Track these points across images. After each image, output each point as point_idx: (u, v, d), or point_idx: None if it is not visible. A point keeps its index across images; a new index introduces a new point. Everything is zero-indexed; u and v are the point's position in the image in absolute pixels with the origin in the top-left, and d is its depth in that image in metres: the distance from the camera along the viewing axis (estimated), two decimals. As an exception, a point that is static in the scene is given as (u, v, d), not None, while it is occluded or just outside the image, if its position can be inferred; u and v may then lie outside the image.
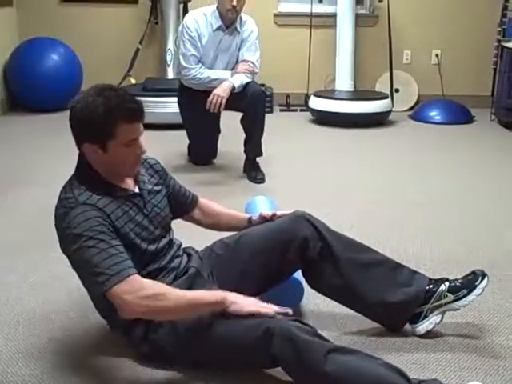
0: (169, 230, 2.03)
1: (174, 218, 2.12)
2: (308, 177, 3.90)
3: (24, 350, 2.00)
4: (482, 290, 2.02)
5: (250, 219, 2.16)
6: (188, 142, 4.18)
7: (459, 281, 2.04)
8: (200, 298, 1.73)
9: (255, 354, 1.70)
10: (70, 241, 1.73)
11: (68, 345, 2.03)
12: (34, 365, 1.91)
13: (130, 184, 1.90)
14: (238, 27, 3.83)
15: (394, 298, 2.01)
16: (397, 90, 6.00)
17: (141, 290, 1.68)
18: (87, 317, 2.17)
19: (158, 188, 2.00)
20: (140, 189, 1.92)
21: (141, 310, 1.68)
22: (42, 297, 2.35)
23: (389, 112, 5.52)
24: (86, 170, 1.84)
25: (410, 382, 1.61)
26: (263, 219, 2.12)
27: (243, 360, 1.76)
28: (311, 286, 2.10)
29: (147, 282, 1.73)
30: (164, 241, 1.96)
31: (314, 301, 2.22)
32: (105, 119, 1.74)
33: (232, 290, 1.81)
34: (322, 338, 1.68)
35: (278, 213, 2.10)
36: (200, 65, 3.80)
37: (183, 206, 2.15)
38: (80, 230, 1.71)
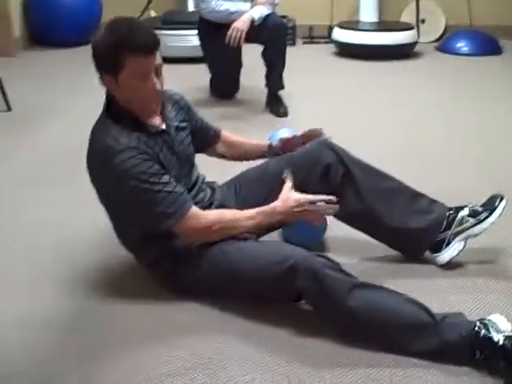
0: (193, 165, 2.05)
1: (198, 152, 2.12)
2: (331, 110, 3.86)
3: (48, 286, 2.04)
4: (502, 211, 2.00)
5: (270, 145, 2.17)
6: (210, 75, 4.14)
7: (479, 206, 2.04)
8: (254, 216, 1.83)
9: (280, 287, 1.73)
10: (122, 185, 1.74)
11: (94, 277, 2.08)
12: (61, 294, 1.97)
13: (157, 121, 1.90)
14: (258, -43, 3.72)
15: (416, 224, 2.02)
16: (423, 21, 5.84)
17: (207, 226, 1.80)
18: (112, 253, 2.19)
19: (183, 125, 2.00)
20: (167, 125, 1.92)
21: (210, 239, 1.83)
22: (67, 230, 2.38)
23: (414, 43, 5.39)
24: (114, 107, 1.83)
25: (434, 318, 1.63)
26: (283, 143, 2.12)
27: (268, 293, 1.79)
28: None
29: (210, 215, 1.83)
30: (190, 176, 1.98)
31: (334, 231, 2.23)
32: (112, 51, 1.73)
33: None
34: (346, 273, 1.70)
35: (298, 134, 2.10)
36: (219, -4, 3.72)
37: (206, 139, 2.15)
38: (132, 174, 1.73)
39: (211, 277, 1.83)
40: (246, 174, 2.12)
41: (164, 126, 1.90)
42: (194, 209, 1.80)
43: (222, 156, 2.23)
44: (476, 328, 1.59)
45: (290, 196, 1.84)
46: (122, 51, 1.72)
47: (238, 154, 2.21)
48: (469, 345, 1.58)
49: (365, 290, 1.67)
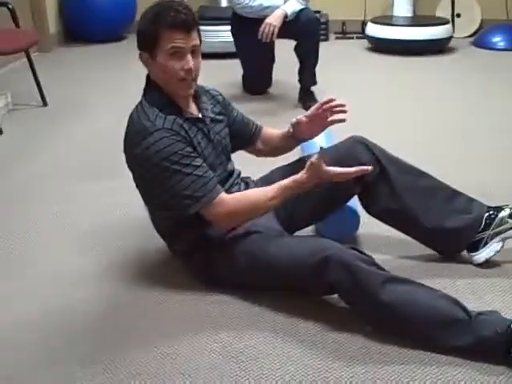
0: (229, 158, 2.05)
1: (240, 148, 2.14)
2: (364, 106, 3.83)
3: (84, 275, 2.07)
4: None
5: (288, 131, 2.12)
6: (242, 71, 4.14)
7: (520, 207, 2.01)
8: (279, 192, 1.82)
9: (313, 280, 1.72)
10: (153, 165, 1.77)
11: (127, 268, 2.10)
12: (93, 291, 1.99)
13: (194, 109, 1.92)
14: (292, -49, 3.70)
15: (453, 224, 2.00)
16: (458, 15, 5.76)
17: (233, 211, 1.80)
18: (145, 243, 2.23)
19: (220, 117, 2.01)
20: (203, 115, 1.93)
21: (234, 225, 1.85)
22: (96, 225, 2.41)
23: (450, 38, 5.33)
24: (153, 88, 1.87)
25: (469, 314, 1.61)
26: (297, 124, 2.07)
27: (301, 285, 1.78)
28: (367, 210, 2.09)
29: (235, 199, 1.83)
30: (224, 170, 1.98)
31: (369, 227, 2.22)
32: (150, 26, 1.78)
33: (290, 214, 1.95)
34: (379, 267, 1.69)
35: (307, 113, 2.05)
36: (253, -8, 3.72)
37: (248, 136, 2.15)
38: (164, 154, 1.75)
39: (245, 267, 1.84)
40: (275, 173, 2.11)
41: (200, 115, 1.92)
42: (223, 195, 1.81)
43: (259, 153, 2.21)
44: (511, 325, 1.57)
45: (314, 170, 1.79)
46: (160, 27, 1.76)
47: (273, 147, 2.18)
48: (504, 342, 1.56)
49: (398, 284, 1.66)
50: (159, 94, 1.85)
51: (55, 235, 2.34)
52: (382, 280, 1.64)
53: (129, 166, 1.90)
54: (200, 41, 1.84)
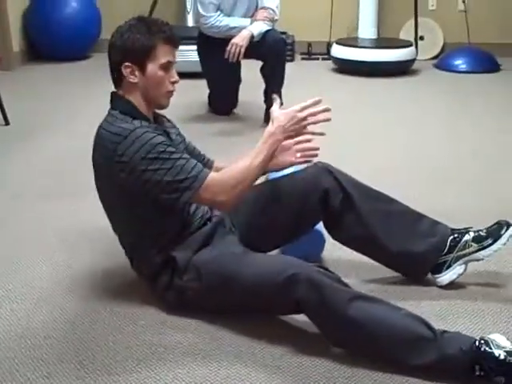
0: None
1: None
2: (329, 128, 3.83)
3: (47, 296, 2.03)
4: (507, 240, 1.99)
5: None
6: (208, 91, 4.14)
7: (483, 231, 2.03)
8: (258, 151, 1.84)
9: (279, 298, 1.71)
10: (139, 161, 1.75)
11: (91, 293, 2.06)
12: (57, 313, 1.95)
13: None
14: (257, -29, 3.74)
15: (417, 248, 2.01)
16: (421, 38, 5.87)
17: (226, 185, 1.79)
18: (111, 264, 2.19)
19: (179, 139, 2.03)
20: (168, 132, 1.96)
21: (235, 200, 1.83)
22: (61, 245, 2.37)
23: (413, 60, 5.42)
24: (121, 101, 1.88)
25: (434, 332, 1.62)
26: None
27: (268, 304, 1.77)
28: (333, 236, 2.10)
29: (223, 173, 1.83)
30: None
31: (334, 251, 2.22)
32: (146, 38, 1.83)
33: (254, 241, 1.89)
34: (345, 284, 1.70)
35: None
36: (218, 12, 3.74)
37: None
38: (149, 146, 1.75)
39: (209, 288, 1.82)
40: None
41: (165, 129, 1.95)
42: (211, 174, 1.81)
43: None
44: (476, 343, 1.58)
45: (278, 115, 1.86)
46: (158, 39, 1.83)
47: None
48: (469, 359, 1.57)
49: (365, 301, 1.66)
50: (130, 106, 1.87)
51: (19, 255, 2.29)
52: (348, 297, 1.64)
53: (100, 181, 1.87)
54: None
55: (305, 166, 2.07)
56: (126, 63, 1.84)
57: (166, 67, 1.86)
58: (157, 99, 1.89)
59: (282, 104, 2.06)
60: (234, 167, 1.83)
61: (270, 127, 1.85)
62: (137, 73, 1.85)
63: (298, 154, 2.03)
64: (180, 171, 1.77)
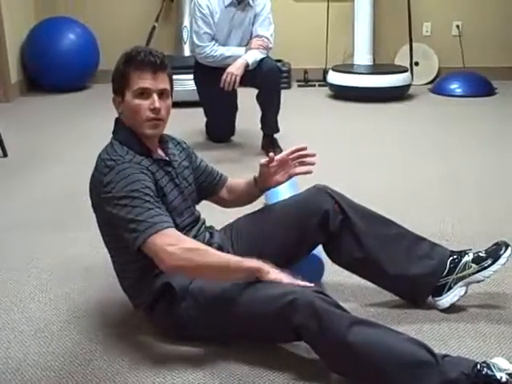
0: (194, 206, 2.05)
1: (203, 198, 2.14)
2: (327, 152, 3.86)
3: (44, 327, 2.01)
4: (507, 260, 1.98)
5: (254, 177, 2.13)
6: (205, 119, 4.16)
7: (483, 252, 2.02)
8: (239, 262, 1.75)
9: (278, 325, 1.69)
10: (113, 197, 1.74)
11: (89, 324, 2.04)
12: (55, 344, 1.93)
13: (161, 153, 1.94)
14: (251, 2, 3.77)
15: (416, 271, 2.00)
16: (416, 63, 5.92)
17: (183, 242, 1.72)
18: (107, 296, 2.18)
19: (186, 164, 2.03)
20: (170, 159, 1.95)
21: (181, 263, 1.69)
22: (59, 276, 2.36)
23: (409, 86, 5.46)
24: (122, 129, 1.89)
25: (435, 357, 1.60)
26: (263, 166, 2.07)
27: (266, 332, 1.76)
28: (332, 259, 2.09)
29: (187, 237, 1.78)
30: (190, 215, 1.97)
31: (334, 275, 2.21)
32: (120, 68, 1.84)
33: None
34: (344, 310, 1.68)
35: (276, 157, 2.05)
36: (213, 42, 3.77)
37: (212, 185, 2.15)
38: (125, 187, 1.74)
39: (208, 315, 1.80)
40: (240, 221, 2.11)
41: (167, 158, 1.93)
42: (173, 230, 1.74)
43: (223, 203, 2.21)
44: (478, 366, 1.56)
45: (269, 269, 1.77)
46: (129, 68, 1.82)
47: (236, 196, 2.18)
48: (471, 383, 1.55)
49: (365, 326, 1.64)
50: (129, 134, 1.87)
51: (17, 286, 2.28)
52: (348, 322, 1.62)
53: (95, 208, 1.87)
54: (171, 87, 1.90)
55: (305, 169, 2.07)
56: (113, 96, 1.88)
57: (142, 94, 1.82)
58: (139, 128, 1.86)
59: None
60: (212, 249, 1.76)
61: (266, 267, 1.75)
62: (121, 104, 1.87)
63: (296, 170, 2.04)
64: (143, 213, 1.72)
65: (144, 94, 1.82)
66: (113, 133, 1.92)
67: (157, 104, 1.82)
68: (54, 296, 2.21)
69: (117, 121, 1.93)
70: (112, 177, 1.76)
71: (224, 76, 3.60)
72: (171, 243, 1.70)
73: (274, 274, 1.75)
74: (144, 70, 1.81)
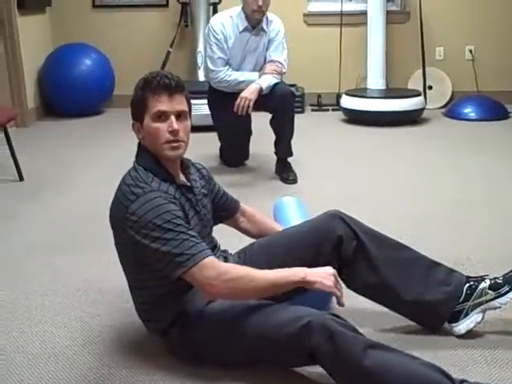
0: (211, 232, 2.06)
1: (219, 222, 2.15)
2: (340, 177, 3.87)
3: (58, 352, 2.01)
4: None
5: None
6: (219, 144, 4.18)
7: (500, 278, 2.00)
8: (282, 277, 1.75)
9: (293, 348, 1.68)
10: (143, 226, 1.74)
11: (104, 348, 2.04)
12: (69, 369, 1.92)
13: (183, 179, 1.94)
14: (265, 27, 3.81)
15: (432, 297, 1.99)
16: (430, 87, 5.93)
17: (224, 273, 1.72)
18: (122, 320, 2.18)
19: (205, 191, 2.03)
20: (192, 186, 1.95)
21: (224, 292, 1.74)
22: (73, 300, 2.36)
23: (422, 110, 5.45)
24: (145, 155, 1.89)
25: (453, 381, 1.58)
26: None
27: (280, 356, 1.75)
28: (346, 285, 2.08)
29: (228, 264, 1.81)
30: (209, 243, 1.98)
31: (348, 299, 2.17)
32: (138, 93, 1.87)
33: None
34: (360, 334, 1.68)
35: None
36: (227, 67, 3.80)
37: (226, 210, 2.17)
38: (155, 218, 1.73)
39: (222, 339, 1.80)
40: (254, 246, 2.11)
41: (189, 184, 1.94)
42: (212, 258, 1.76)
43: (246, 232, 2.23)
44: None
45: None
46: (146, 93, 1.84)
47: (260, 233, 2.19)
48: None
49: (381, 350, 1.63)
50: (152, 160, 1.88)
51: (31, 309, 2.28)
52: (364, 346, 1.61)
53: (116, 232, 1.87)
54: (189, 108, 1.91)
55: None
56: (132, 122, 1.89)
57: (159, 117, 1.83)
58: (160, 151, 1.87)
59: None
60: (253, 272, 1.76)
61: (310, 273, 1.77)
62: (140, 129, 1.88)
63: None
64: (179, 245, 1.73)
65: (161, 116, 1.83)
66: (136, 157, 1.92)
67: (175, 126, 1.83)
68: (68, 319, 2.22)
69: (139, 145, 1.93)
70: (139, 205, 1.76)
71: (238, 100, 3.62)
72: (212, 276, 1.72)
73: (321, 284, 1.74)
74: (160, 93, 1.83)
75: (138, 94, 1.86)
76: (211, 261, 1.75)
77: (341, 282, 1.79)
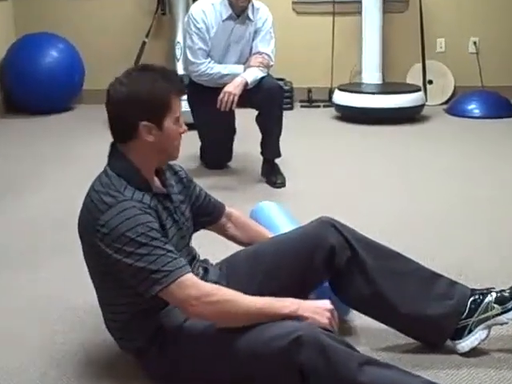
0: (190, 242, 2.05)
1: (200, 228, 2.14)
2: (333, 180, 3.87)
3: (21, 375, 1.99)
4: None
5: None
6: (200, 143, 4.18)
7: (507, 291, 2.01)
8: (271, 308, 1.75)
9: (283, 364, 1.69)
10: (115, 240, 1.73)
11: (72, 369, 2.03)
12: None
13: (158, 185, 1.93)
14: (251, 15, 3.82)
15: (433, 311, 1.99)
16: (430, 82, 5.96)
17: (206, 295, 1.73)
18: (92, 337, 2.17)
19: (181, 197, 2.02)
20: (169, 193, 1.95)
21: (206, 314, 1.75)
22: (36, 318, 2.34)
23: (422, 106, 5.48)
24: (120, 159, 1.87)
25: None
26: None
27: (269, 373, 1.75)
28: (340, 298, 2.08)
29: (212, 286, 1.79)
30: (188, 255, 1.98)
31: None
32: (163, 94, 1.83)
33: None
34: (354, 349, 1.68)
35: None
36: (209, 59, 3.80)
37: (209, 214, 2.16)
38: (129, 230, 1.72)
39: (207, 356, 1.79)
40: (239, 255, 2.11)
41: (165, 191, 1.93)
42: (191, 275, 1.76)
43: (235, 239, 2.22)
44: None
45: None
46: (172, 93, 1.84)
47: (250, 240, 2.18)
48: None
49: (376, 366, 1.65)
50: (128, 165, 1.85)
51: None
52: (359, 362, 1.62)
53: (85, 244, 1.86)
54: None
55: None
56: (144, 123, 1.82)
57: (178, 119, 1.88)
58: (170, 153, 1.92)
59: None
60: (239, 297, 1.76)
61: (303, 306, 1.77)
62: (154, 131, 1.84)
63: None
64: (155, 261, 1.72)
65: (179, 119, 1.88)
66: (108, 161, 1.90)
67: (185, 127, 1.91)
68: (30, 340, 2.20)
69: (113, 148, 1.90)
70: (111, 216, 1.75)
71: (221, 96, 3.62)
72: (193, 295, 1.72)
73: (314, 320, 1.73)
74: (182, 95, 1.92)
75: (161, 95, 1.83)
76: (191, 278, 1.75)
77: (336, 315, 1.78)
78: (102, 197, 1.79)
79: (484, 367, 1.97)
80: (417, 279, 2.03)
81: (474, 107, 5.60)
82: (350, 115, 5.44)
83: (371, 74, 5.72)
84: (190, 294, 1.72)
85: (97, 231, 1.77)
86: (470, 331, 2.00)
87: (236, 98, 3.61)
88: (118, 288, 1.83)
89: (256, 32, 3.85)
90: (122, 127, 1.85)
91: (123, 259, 1.73)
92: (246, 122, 4.01)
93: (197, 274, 1.95)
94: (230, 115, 3.92)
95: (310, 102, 6.08)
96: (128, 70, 1.89)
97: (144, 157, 1.86)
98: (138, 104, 1.81)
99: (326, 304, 1.78)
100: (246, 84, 3.67)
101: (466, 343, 2.01)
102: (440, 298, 2.01)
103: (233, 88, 3.63)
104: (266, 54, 3.82)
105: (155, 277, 1.72)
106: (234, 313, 1.74)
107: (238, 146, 4.18)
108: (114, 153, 1.89)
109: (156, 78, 1.83)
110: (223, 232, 2.21)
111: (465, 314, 2.00)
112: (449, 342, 2.05)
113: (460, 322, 2.00)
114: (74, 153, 4.44)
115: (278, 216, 2.52)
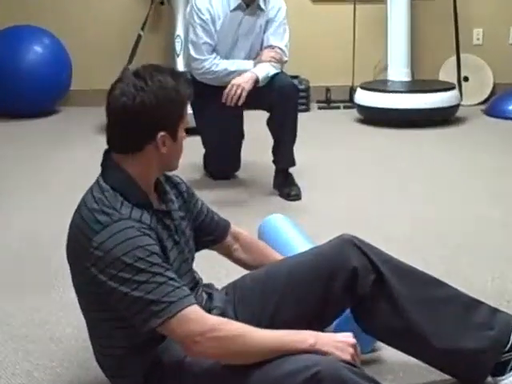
0: (192, 265, 2.04)
1: (201, 248, 2.14)
2: (354, 192, 3.87)
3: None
4: None
5: None
6: (203, 150, 4.18)
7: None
8: (285, 343, 1.74)
9: None
10: (109, 265, 1.72)
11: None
12: None
13: (157, 200, 1.92)
14: (262, 5, 3.83)
15: (471, 344, 1.98)
16: (466, 79, 5.96)
17: (212, 330, 1.70)
18: (79, 373, 2.17)
19: (182, 214, 2.02)
20: (169, 209, 1.94)
21: (211, 352, 1.72)
22: (17, 350, 2.34)
23: (456, 106, 5.49)
24: (116, 170, 1.85)
25: None
26: None
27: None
28: (362, 327, 2.08)
29: (218, 319, 1.77)
30: (191, 280, 1.98)
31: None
32: (184, 99, 1.86)
33: None
34: (376, 382, 1.67)
35: None
36: (214, 54, 3.81)
37: (212, 233, 2.15)
38: (125, 254, 1.71)
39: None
40: (246, 280, 2.10)
41: (165, 207, 1.93)
42: (196, 307, 1.74)
43: (242, 263, 2.22)
44: None
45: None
46: (185, 97, 1.87)
47: (264, 264, 2.17)
48: None
49: None
50: (124, 177, 1.85)
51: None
52: None
53: (75, 268, 1.85)
54: None
55: None
56: (162, 133, 1.81)
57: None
58: (172, 164, 1.93)
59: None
60: (250, 332, 1.74)
61: (320, 339, 1.74)
62: (168, 142, 1.83)
63: None
64: (154, 290, 1.71)
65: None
66: (102, 172, 1.88)
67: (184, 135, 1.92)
68: (11, 375, 2.20)
69: (106, 157, 1.89)
70: (106, 237, 1.73)
71: (228, 88, 3.60)
72: (197, 331, 1.70)
73: (335, 355, 1.71)
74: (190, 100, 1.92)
75: (179, 99, 1.84)
76: (195, 311, 1.73)
77: (359, 350, 1.76)
78: (95, 215, 1.78)
79: (530, 408, 1.96)
80: (453, 307, 2.02)
81: (516, 107, 5.60)
82: (374, 117, 5.45)
83: (398, 70, 5.73)
84: (193, 330, 1.70)
85: (90, 254, 1.75)
86: (514, 366, 2.00)
87: (245, 94, 3.59)
88: (111, 320, 1.83)
89: (268, 23, 3.86)
90: (134, 138, 1.83)
91: (118, 287, 1.72)
92: (256, 125, 4.01)
93: (200, 302, 1.96)
94: (238, 117, 3.93)
95: (328, 102, 6.09)
96: (136, 70, 1.87)
97: (146, 169, 1.86)
98: (158, 112, 1.80)
99: (348, 337, 1.76)
100: (257, 80, 3.66)
101: (510, 380, 2.00)
102: (479, 328, 2.00)
103: (242, 81, 3.61)
104: (279, 48, 3.83)
105: (154, 309, 1.71)
106: (244, 350, 1.73)
107: (246, 153, 4.19)
108: (109, 164, 1.88)
109: (176, 83, 1.84)
110: (229, 254, 2.21)
111: (508, 346, 1.99)
112: (489, 379, 2.03)
113: (502, 356, 1.99)
114: (56, 163, 4.45)
115: (288, 231, 2.52)
